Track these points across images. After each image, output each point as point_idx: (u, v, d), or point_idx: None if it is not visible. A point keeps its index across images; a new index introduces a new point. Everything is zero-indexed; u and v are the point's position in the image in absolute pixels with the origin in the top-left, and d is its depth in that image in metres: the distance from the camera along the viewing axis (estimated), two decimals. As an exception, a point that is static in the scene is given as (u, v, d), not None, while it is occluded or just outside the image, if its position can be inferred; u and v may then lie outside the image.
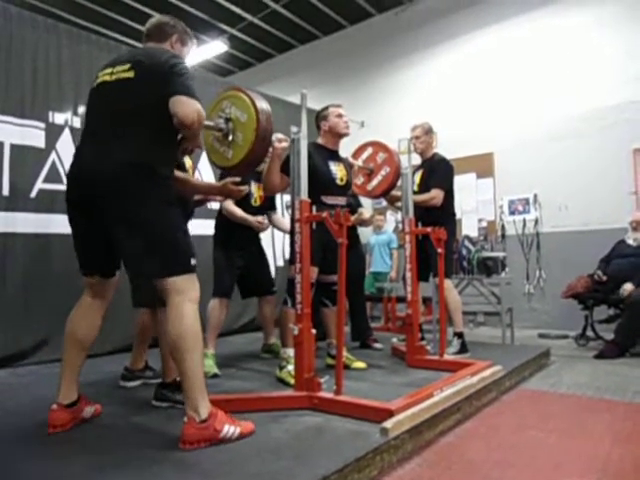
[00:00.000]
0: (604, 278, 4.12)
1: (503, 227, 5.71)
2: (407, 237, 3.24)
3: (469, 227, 5.86)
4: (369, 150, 3.52)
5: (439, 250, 3.15)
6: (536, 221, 5.53)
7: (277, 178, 2.67)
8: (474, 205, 5.99)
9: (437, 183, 3.51)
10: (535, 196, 5.54)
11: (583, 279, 4.22)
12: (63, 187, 3.55)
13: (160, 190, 1.79)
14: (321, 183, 2.76)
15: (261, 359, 3.43)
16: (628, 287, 3.87)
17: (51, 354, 3.27)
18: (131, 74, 1.82)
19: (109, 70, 1.88)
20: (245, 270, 3.24)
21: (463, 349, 3.42)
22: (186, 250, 1.82)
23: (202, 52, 7.72)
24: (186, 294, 1.77)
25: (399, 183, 3.39)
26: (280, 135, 2.50)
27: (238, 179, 2.43)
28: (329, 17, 7.12)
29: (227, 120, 2.21)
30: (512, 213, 5.70)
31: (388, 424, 1.85)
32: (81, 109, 3.74)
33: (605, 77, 5.18)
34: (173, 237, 1.80)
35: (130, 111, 1.79)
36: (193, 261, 1.83)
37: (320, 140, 3.00)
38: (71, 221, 1.91)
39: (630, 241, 4.29)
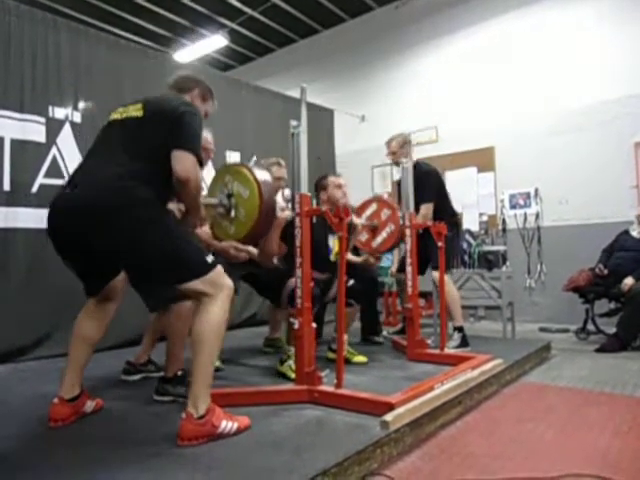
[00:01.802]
0: (605, 272, 4.11)
1: (504, 221, 5.71)
2: (407, 231, 3.23)
3: (470, 221, 5.85)
4: (373, 206, 3.52)
5: (439, 244, 3.15)
6: (537, 215, 5.51)
7: (276, 246, 2.65)
8: (475, 199, 5.97)
9: (425, 198, 3.50)
10: (536, 190, 5.53)
11: (585, 273, 4.21)
12: (64, 182, 3.59)
13: (149, 209, 1.72)
14: (317, 258, 2.55)
15: (262, 353, 3.44)
16: (629, 281, 3.86)
17: (52, 350, 3.28)
18: (140, 113, 1.83)
19: (121, 109, 1.91)
20: (258, 268, 3.21)
21: (464, 343, 3.43)
22: (193, 256, 1.78)
23: (202, 46, 7.69)
24: (215, 293, 1.75)
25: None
26: (283, 204, 2.48)
27: (241, 246, 2.38)
28: (329, 10, 7.08)
29: (229, 196, 2.18)
30: (513, 207, 5.69)
31: (389, 417, 1.86)
32: (81, 104, 3.73)
33: (606, 71, 5.15)
34: (177, 250, 1.74)
35: (132, 146, 1.78)
36: (209, 259, 1.80)
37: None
38: (61, 252, 1.85)
39: (634, 233, 4.25)
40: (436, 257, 3.24)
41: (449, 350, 3.21)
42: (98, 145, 1.88)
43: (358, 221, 3.28)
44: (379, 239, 3.47)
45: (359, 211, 3.55)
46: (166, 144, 1.75)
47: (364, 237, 3.53)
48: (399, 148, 3.64)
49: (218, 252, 2.85)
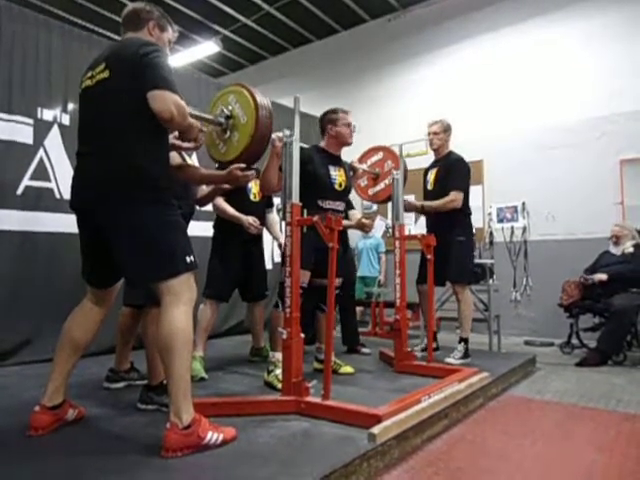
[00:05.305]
0: (589, 280, 4.16)
1: (491, 234, 5.76)
2: (397, 243, 3.24)
3: (458, 234, 5.89)
4: (380, 154, 3.54)
5: (428, 256, 3.16)
6: (524, 229, 5.58)
7: (275, 177, 2.61)
8: (463, 212, 6.02)
9: (456, 185, 3.42)
10: (523, 204, 5.59)
11: (574, 284, 4.27)
12: (50, 185, 3.55)
13: (150, 192, 1.76)
14: (320, 187, 2.76)
15: (248, 362, 3.41)
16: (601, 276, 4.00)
17: (34, 355, 3.21)
18: (106, 74, 1.80)
19: (90, 74, 1.87)
20: (241, 272, 3.20)
21: (466, 354, 3.42)
22: (178, 251, 1.78)
23: (194, 52, 7.68)
24: (180, 296, 1.73)
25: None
26: (281, 134, 2.47)
27: (244, 165, 2.40)
28: (323, 21, 7.14)
29: (228, 117, 2.24)
30: (500, 221, 5.75)
31: (376, 430, 1.84)
32: (70, 106, 3.69)
33: (593, 89, 5.25)
34: (164, 239, 1.76)
35: (112, 114, 1.78)
36: (189, 259, 1.79)
37: (323, 143, 2.95)
38: (79, 229, 1.93)
39: (614, 251, 4.33)
40: (454, 268, 3.27)
41: (454, 361, 3.25)
42: (85, 122, 1.88)
43: (360, 166, 3.35)
44: (378, 187, 3.51)
45: (364, 157, 3.59)
46: (138, 93, 1.73)
47: (364, 183, 3.55)
48: (442, 131, 3.59)
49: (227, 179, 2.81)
